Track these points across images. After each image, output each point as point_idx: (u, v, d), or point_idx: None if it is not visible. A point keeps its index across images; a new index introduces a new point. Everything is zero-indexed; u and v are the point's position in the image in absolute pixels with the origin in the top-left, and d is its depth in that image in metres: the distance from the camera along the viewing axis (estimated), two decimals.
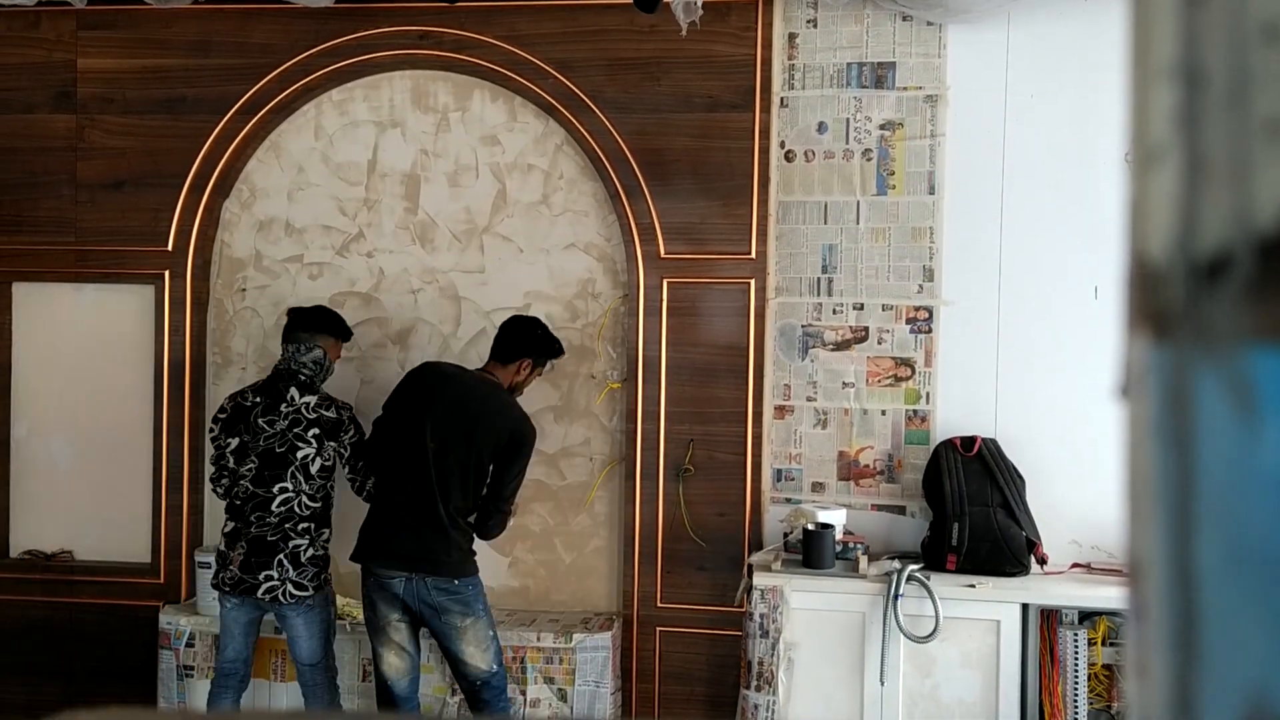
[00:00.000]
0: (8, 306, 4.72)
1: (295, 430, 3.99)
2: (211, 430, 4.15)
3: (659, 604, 4.36)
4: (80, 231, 4.64)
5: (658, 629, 4.36)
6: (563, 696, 4.19)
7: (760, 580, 3.94)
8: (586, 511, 4.48)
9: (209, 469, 4.19)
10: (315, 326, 4.12)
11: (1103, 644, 3.82)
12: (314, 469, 3.98)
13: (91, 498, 4.67)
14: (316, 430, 4.00)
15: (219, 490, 4.10)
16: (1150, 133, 0.43)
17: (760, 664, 3.91)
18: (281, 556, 3.93)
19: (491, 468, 3.93)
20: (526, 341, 4.05)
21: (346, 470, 4.09)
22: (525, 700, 4.20)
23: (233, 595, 3.96)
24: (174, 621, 4.33)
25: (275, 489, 3.95)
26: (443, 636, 3.91)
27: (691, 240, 4.34)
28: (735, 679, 4.14)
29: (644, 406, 4.35)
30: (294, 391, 4.03)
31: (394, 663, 3.93)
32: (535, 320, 4.16)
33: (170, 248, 4.59)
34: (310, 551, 3.97)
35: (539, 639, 4.20)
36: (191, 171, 4.57)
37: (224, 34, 4.56)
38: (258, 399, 4.06)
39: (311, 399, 4.04)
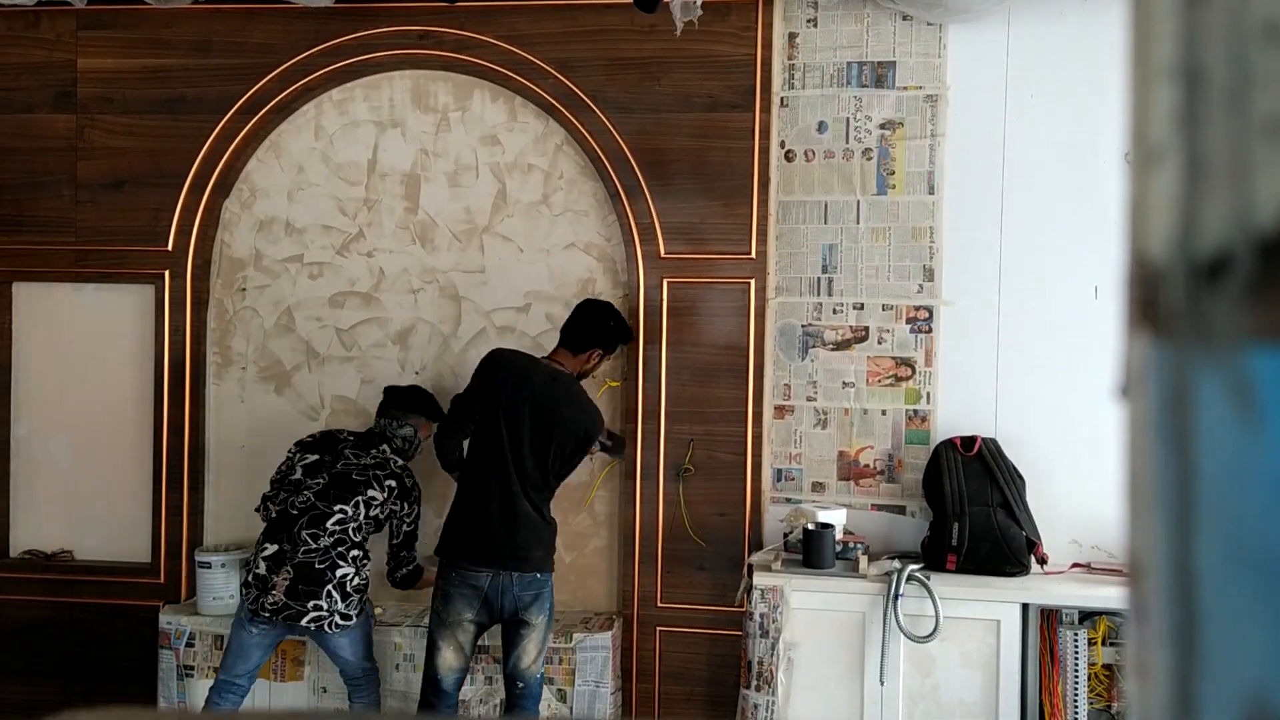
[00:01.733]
0: (8, 306, 4.72)
1: (376, 472, 4.01)
2: (290, 450, 4.11)
3: (659, 604, 4.36)
4: (80, 231, 4.64)
5: (658, 629, 4.36)
6: (562, 697, 4.19)
7: (760, 580, 3.94)
8: (586, 511, 4.49)
9: (270, 485, 4.10)
10: (410, 406, 4.23)
11: (1103, 644, 3.82)
12: (375, 511, 3.99)
13: (91, 498, 4.67)
14: (394, 484, 4.03)
15: (270, 505, 4.02)
16: (1150, 133, 0.43)
17: (760, 664, 3.91)
18: (330, 586, 3.87)
19: (564, 455, 3.92)
20: (600, 332, 4.02)
21: (399, 546, 4.08)
22: None
23: (271, 620, 3.87)
24: (174, 621, 4.33)
25: (335, 508, 3.92)
26: (513, 636, 3.88)
27: (691, 240, 4.34)
28: (735, 679, 4.14)
29: (644, 406, 4.35)
30: (387, 448, 4.10)
31: (450, 660, 3.88)
32: (609, 307, 4.11)
33: (170, 247, 4.59)
34: (356, 580, 3.93)
35: None
36: (191, 171, 4.57)
37: (224, 34, 4.56)
38: (351, 437, 4.12)
39: (402, 460, 4.12)
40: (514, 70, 4.41)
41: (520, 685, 3.90)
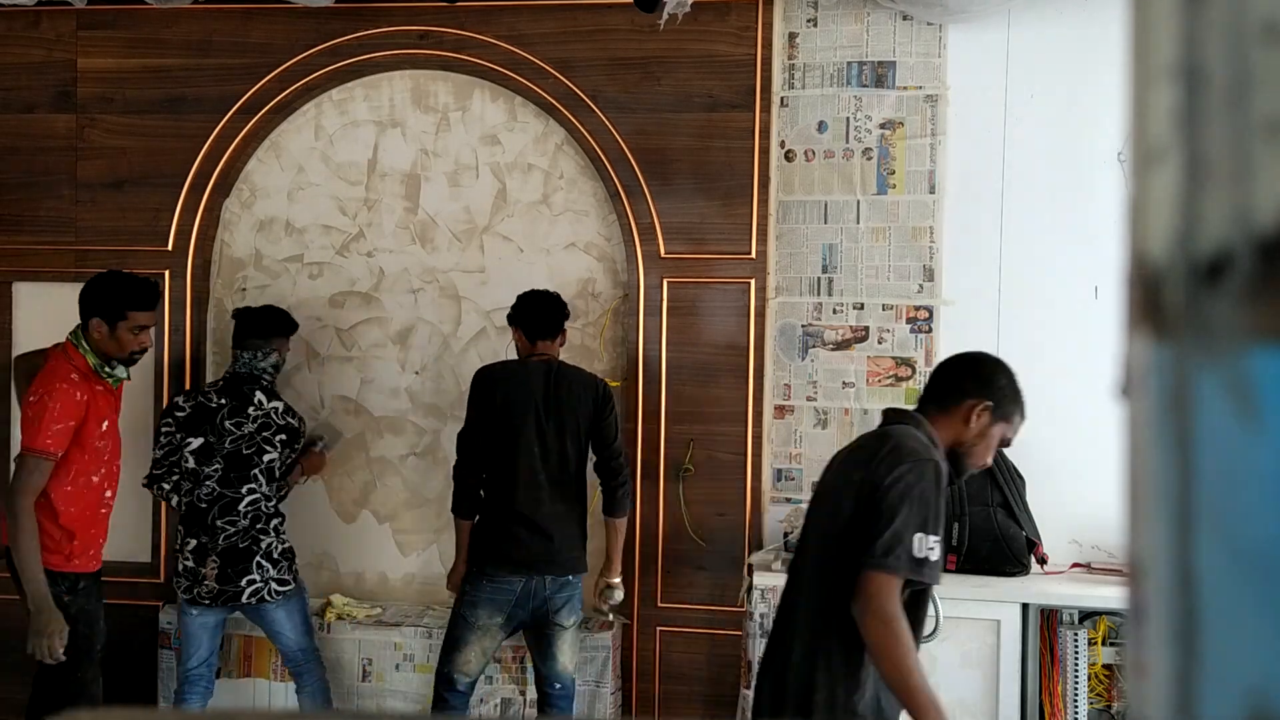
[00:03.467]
0: (8, 306, 4.72)
1: (264, 434, 4.01)
2: (166, 426, 4.07)
3: (659, 604, 4.36)
4: (80, 231, 4.64)
5: (658, 629, 4.36)
6: None
7: (760, 580, 3.94)
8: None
9: (152, 467, 4.08)
10: (269, 329, 4.13)
11: (1103, 644, 3.81)
12: (278, 469, 4.04)
13: None
14: (284, 436, 4.04)
15: (166, 487, 4.04)
16: (1150, 133, 0.43)
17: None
18: (259, 558, 3.94)
19: (592, 438, 3.91)
20: (562, 310, 4.03)
21: (276, 484, 4.08)
22: (525, 700, 4.19)
23: (213, 606, 3.96)
24: (174, 621, 4.33)
25: (244, 489, 3.96)
26: (544, 638, 3.88)
27: (691, 240, 4.34)
28: (735, 679, 4.14)
29: (644, 406, 4.35)
30: (260, 396, 4.04)
31: (471, 661, 3.87)
32: (555, 296, 4.04)
33: (170, 247, 4.59)
34: (280, 546, 4.01)
35: None
36: (191, 171, 4.57)
37: (224, 34, 4.56)
38: (222, 400, 4.04)
39: (279, 404, 4.07)
40: (514, 70, 4.41)
41: (558, 686, 3.91)
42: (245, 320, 4.14)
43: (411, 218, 4.57)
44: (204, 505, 3.97)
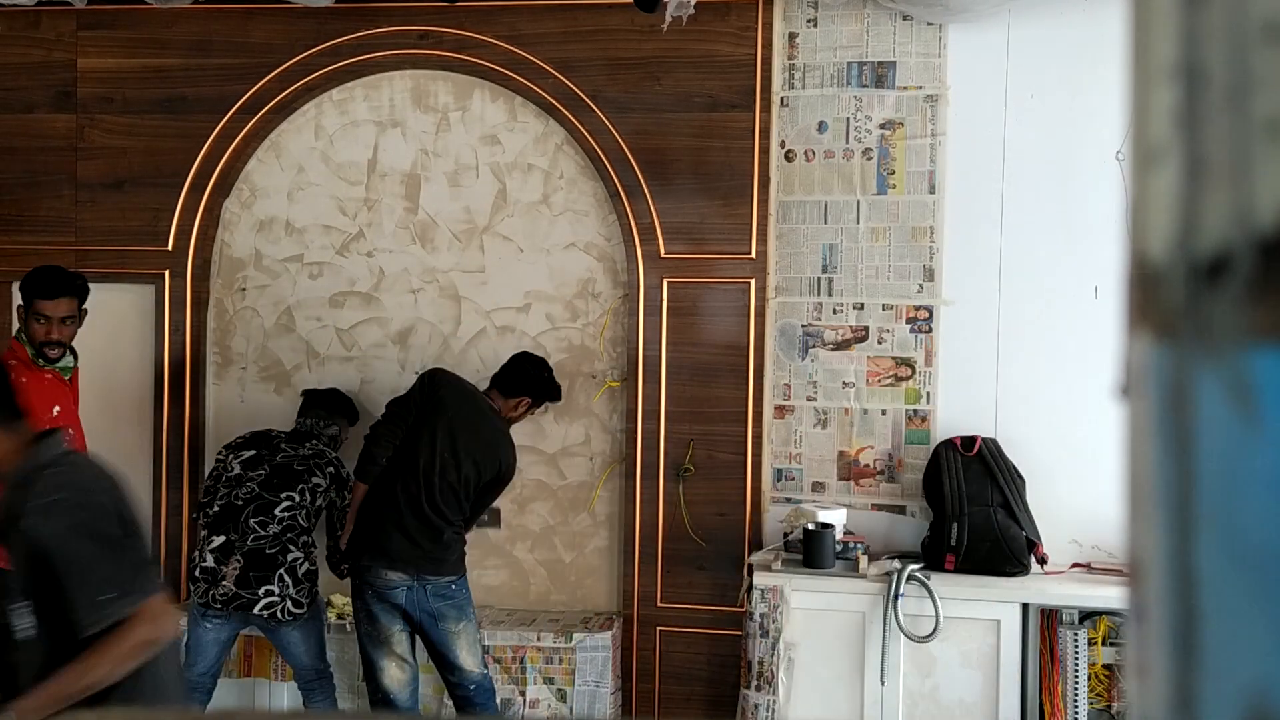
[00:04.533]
0: (8, 306, 4.72)
1: (315, 462, 4.06)
2: (219, 455, 4.14)
3: (659, 604, 4.36)
4: (80, 231, 4.64)
5: (658, 629, 4.36)
6: (562, 697, 4.19)
7: (760, 580, 3.94)
8: (587, 511, 4.49)
9: (201, 496, 4.13)
10: (333, 409, 4.28)
11: (1103, 644, 3.82)
12: (319, 499, 4.03)
13: None
14: (333, 470, 4.09)
15: (209, 512, 3.99)
16: (1150, 133, 0.43)
17: (760, 664, 3.91)
18: (282, 571, 3.86)
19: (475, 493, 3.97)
20: (533, 382, 4.08)
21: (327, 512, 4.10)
22: (525, 700, 4.19)
23: (223, 613, 3.85)
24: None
25: (283, 495, 3.94)
26: (438, 644, 3.91)
27: (691, 240, 4.34)
28: (735, 679, 4.14)
29: (644, 406, 4.35)
30: (318, 444, 4.14)
31: (396, 675, 3.91)
32: (543, 362, 4.18)
33: (170, 247, 4.59)
34: (306, 566, 3.94)
35: (539, 639, 4.20)
36: (191, 171, 4.57)
37: (224, 34, 4.56)
38: (283, 433, 4.15)
39: (333, 457, 4.15)
40: (514, 70, 4.41)
41: (471, 686, 3.93)
42: (312, 397, 4.29)
43: (411, 218, 4.57)
44: (240, 504, 3.93)
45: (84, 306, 3.94)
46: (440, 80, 4.54)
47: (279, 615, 3.85)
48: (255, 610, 3.83)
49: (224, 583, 3.84)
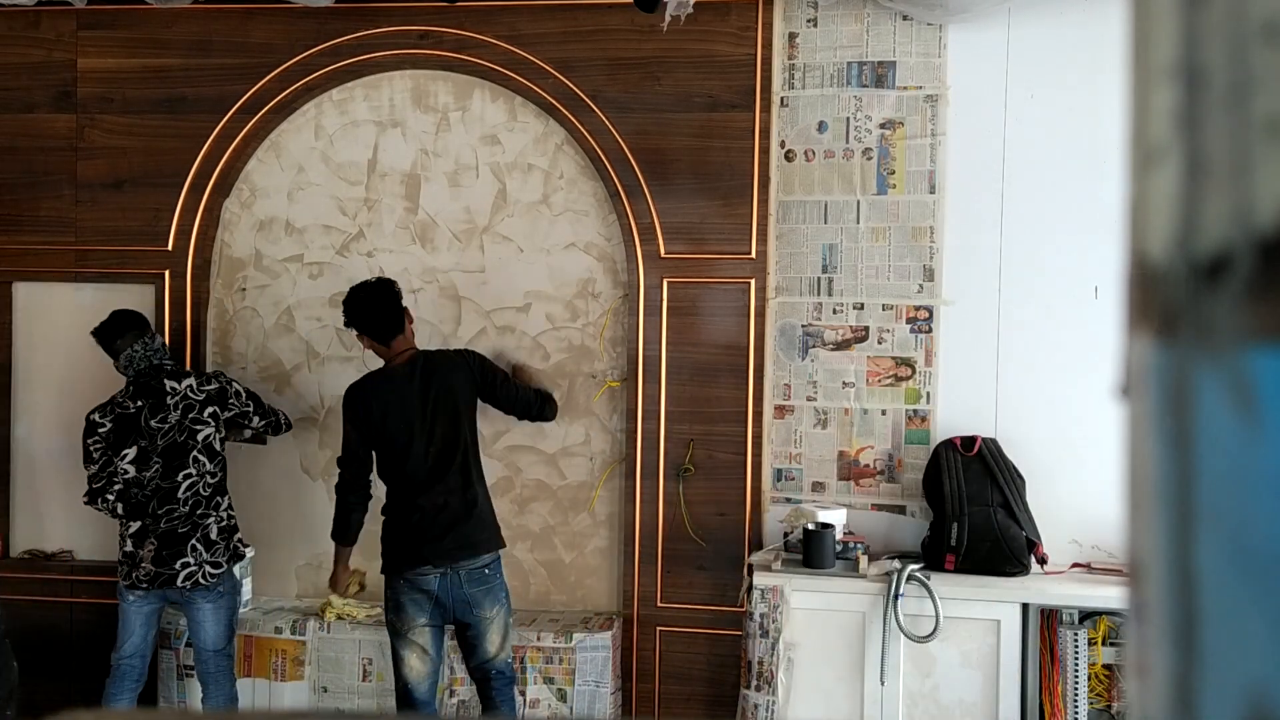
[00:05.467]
0: (8, 306, 4.73)
1: (191, 415, 4.04)
2: (95, 442, 4.07)
3: (659, 604, 4.36)
4: (80, 231, 4.64)
5: (658, 629, 4.36)
6: (562, 696, 4.19)
7: (760, 580, 3.94)
8: (587, 511, 4.49)
9: (90, 483, 4.08)
10: (133, 325, 4.11)
11: (1103, 644, 3.82)
12: (217, 445, 4.08)
13: None
14: (212, 407, 4.07)
15: (110, 498, 4.03)
16: (1150, 133, 0.43)
17: (760, 664, 3.91)
18: (194, 542, 4.00)
19: (483, 397, 3.94)
20: (395, 299, 3.94)
21: (258, 420, 4.16)
22: (525, 700, 4.20)
23: (147, 589, 3.99)
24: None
25: (180, 477, 4.00)
26: (471, 630, 3.89)
27: (691, 240, 4.34)
28: (735, 679, 4.14)
29: (644, 406, 4.35)
30: (170, 382, 4.07)
31: (416, 666, 3.90)
32: (376, 283, 3.98)
33: (170, 247, 4.59)
34: (217, 527, 4.05)
35: (539, 639, 4.20)
36: (191, 171, 4.57)
37: (224, 34, 4.56)
38: (139, 403, 4.07)
39: (191, 380, 4.09)
40: (514, 70, 4.41)
41: (494, 673, 3.92)
42: (106, 331, 4.11)
43: (411, 218, 4.57)
44: (145, 497, 4.03)
45: None
46: (440, 80, 4.54)
47: (200, 580, 3.99)
48: (178, 583, 3.98)
49: (143, 564, 4.00)
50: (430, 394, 3.86)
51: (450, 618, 3.88)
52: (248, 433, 4.26)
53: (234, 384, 4.17)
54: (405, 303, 4.00)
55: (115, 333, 4.09)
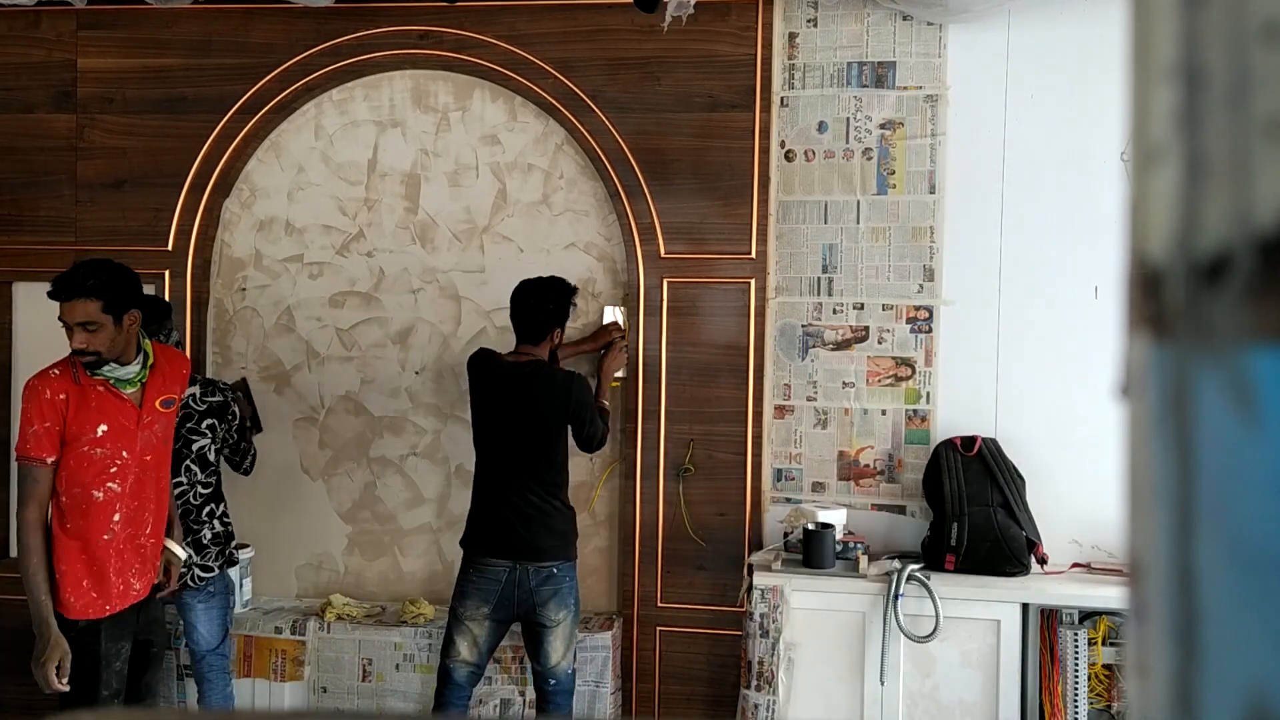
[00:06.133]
0: (8, 306, 4.73)
1: (189, 425, 4.00)
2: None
3: (659, 604, 4.36)
4: (80, 231, 4.64)
5: (658, 629, 4.36)
6: None
7: (760, 580, 3.94)
8: (587, 511, 4.48)
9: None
10: (157, 314, 3.95)
11: (1103, 644, 3.82)
12: (211, 456, 4.04)
13: None
14: (211, 420, 4.04)
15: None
16: (1150, 133, 0.43)
17: (760, 664, 3.91)
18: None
19: (570, 426, 3.93)
20: (545, 315, 3.92)
21: (227, 452, 4.12)
22: (525, 700, 4.19)
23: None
24: (173, 622, 4.33)
25: (171, 484, 3.93)
26: (534, 631, 3.88)
27: (691, 240, 4.34)
28: (735, 679, 4.14)
29: (644, 406, 4.35)
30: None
31: (463, 653, 3.88)
32: (540, 288, 3.95)
33: (170, 247, 4.59)
34: (210, 533, 4.02)
35: None
36: (191, 171, 4.57)
37: (224, 34, 4.56)
38: None
39: (194, 390, 4.02)
40: (514, 70, 4.41)
41: (552, 682, 3.91)
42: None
43: (411, 218, 4.57)
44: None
45: (123, 309, 3.33)
46: (440, 80, 4.54)
47: (188, 582, 3.96)
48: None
49: None
50: (529, 400, 3.84)
51: (516, 613, 3.86)
52: (226, 450, 4.20)
53: (234, 405, 4.13)
54: (561, 318, 3.94)
55: (144, 318, 3.94)
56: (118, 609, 3.41)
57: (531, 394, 3.85)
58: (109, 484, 3.36)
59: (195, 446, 4.01)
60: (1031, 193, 4.16)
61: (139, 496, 3.44)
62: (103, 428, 3.34)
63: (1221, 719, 0.39)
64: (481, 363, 3.95)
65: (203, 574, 3.99)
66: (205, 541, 4.01)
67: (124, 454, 3.38)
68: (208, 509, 4.05)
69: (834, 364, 4.31)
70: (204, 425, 4.02)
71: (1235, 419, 0.38)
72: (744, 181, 4.29)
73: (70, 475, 3.32)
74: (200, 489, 4.03)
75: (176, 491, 3.96)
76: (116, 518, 3.37)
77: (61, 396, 3.29)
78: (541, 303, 3.91)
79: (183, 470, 3.98)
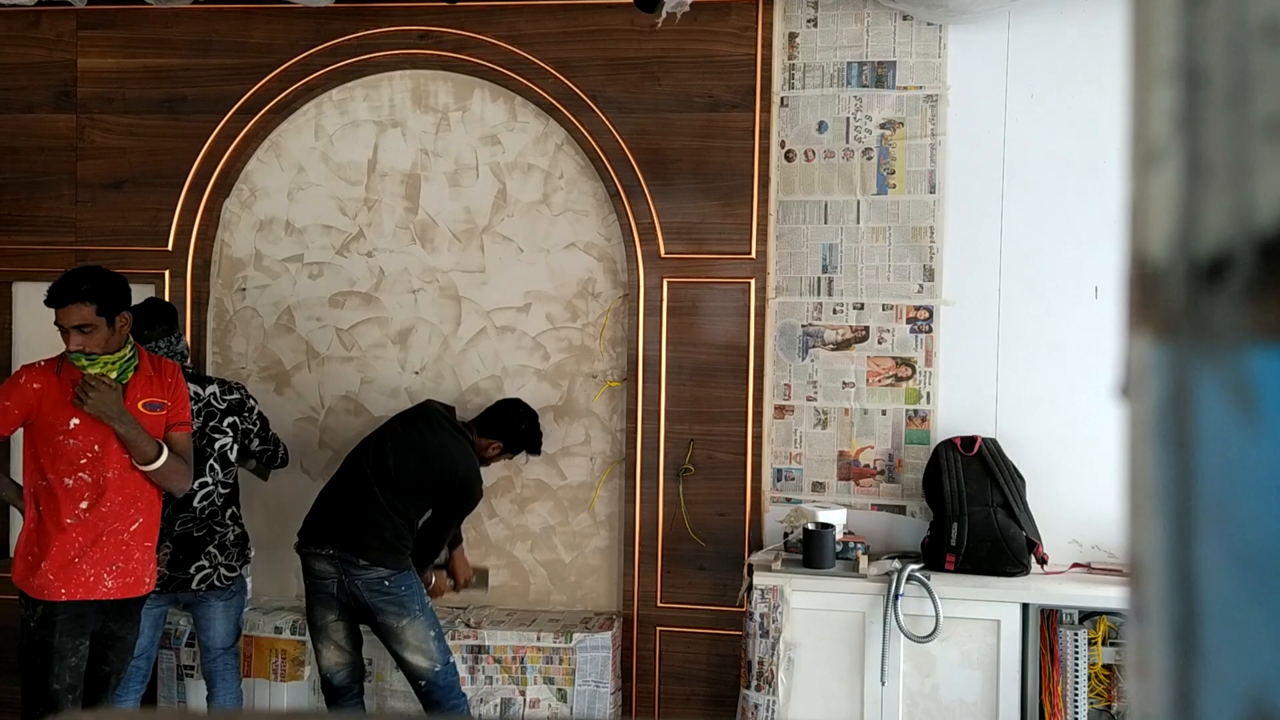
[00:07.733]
0: (8, 306, 4.73)
1: (211, 424, 4.01)
2: None
3: (659, 604, 4.36)
4: (80, 231, 4.64)
5: (658, 629, 4.36)
6: (562, 696, 4.19)
7: (760, 580, 3.94)
8: (587, 511, 4.49)
9: None
10: (164, 318, 4.01)
11: (1103, 644, 3.81)
12: (232, 455, 4.05)
13: None
14: (232, 418, 4.04)
15: None
16: (1150, 133, 0.43)
17: (760, 664, 3.91)
18: (210, 547, 3.98)
19: (432, 510, 4.02)
20: (508, 429, 4.19)
21: (257, 443, 4.12)
22: (525, 700, 4.20)
23: (164, 593, 3.94)
24: (174, 622, 4.33)
25: (195, 485, 3.94)
26: (382, 637, 3.97)
27: (691, 240, 4.34)
28: (735, 679, 4.14)
29: (644, 406, 4.35)
30: (194, 387, 3.98)
31: (330, 657, 4.01)
32: (530, 414, 4.26)
33: (170, 247, 4.59)
34: (234, 534, 4.05)
35: (539, 639, 4.20)
36: (191, 171, 4.57)
37: (224, 34, 4.56)
38: None
39: (214, 388, 4.04)
40: (514, 70, 4.41)
41: (422, 683, 3.95)
42: (137, 318, 3.87)
43: (411, 218, 4.57)
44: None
45: (115, 311, 3.48)
46: (440, 80, 4.54)
47: (214, 583, 3.98)
48: (191, 586, 3.96)
49: (159, 568, 3.92)
50: (437, 447, 4.00)
51: (356, 613, 3.99)
52: (251, 462, 4.20)
53: (251, 399, 4.14)
54: (508, 439, 4.23)
55: (145, 322, 3.94)
56: (76, 597, 3.48)
57: (444, 446, 4.00)
58: (80, 474, 3.48)
59: (218, 445, 4.00)
60: (1031, 193, 4.16)
61: (123, 492, 3.52)
62: (75, 421, 3.46)
63: (1221, 719, 0.39)
64: (409, 411, 4.16)
65: (228, 574, 4.01)
66: (229, 543, 4.01)
67: (96, 447, 3.49)
68: (229, 511, 4.05)
69: (834, 364, 4.31)
70: (225, 424, 4.02)
71: (1235, 419, 0.38)
72: (744, 181, 4.29)
73: (46, 463, 3.48)
74: (221, 488, 4.02)
75: (202, 491, 3.96)
76: (84, 504, 3.48)
77: (35, 386, 3.48)
78: (520, 419, 4.21)
79: (206, 469, 3.97)
